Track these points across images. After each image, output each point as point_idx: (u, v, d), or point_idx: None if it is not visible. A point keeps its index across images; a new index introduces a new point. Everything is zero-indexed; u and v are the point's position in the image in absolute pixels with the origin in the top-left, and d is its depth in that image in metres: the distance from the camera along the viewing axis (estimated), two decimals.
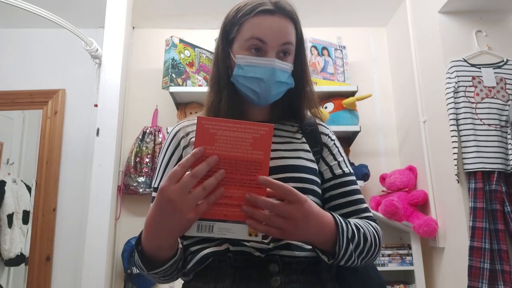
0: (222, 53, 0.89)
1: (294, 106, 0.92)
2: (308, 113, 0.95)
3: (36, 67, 2.55)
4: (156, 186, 0.87)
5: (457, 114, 1.85)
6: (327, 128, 0.95)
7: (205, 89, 2.29)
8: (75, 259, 2.24)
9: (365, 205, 0.86)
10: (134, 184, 2.22)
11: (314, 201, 0.81)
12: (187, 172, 0.61)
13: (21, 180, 2.40)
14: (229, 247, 0.76)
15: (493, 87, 1.86)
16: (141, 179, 2.23)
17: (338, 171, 0.88)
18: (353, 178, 0.89)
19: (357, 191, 0.87)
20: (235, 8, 0.88)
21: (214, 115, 0.87)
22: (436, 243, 2.00)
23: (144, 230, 0.68)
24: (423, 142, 2.14)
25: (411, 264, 2.04)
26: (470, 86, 1.86)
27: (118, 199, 2.23)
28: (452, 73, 1.88)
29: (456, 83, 1.86)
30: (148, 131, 2.35)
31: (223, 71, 0.88)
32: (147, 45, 2.58)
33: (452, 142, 1.82)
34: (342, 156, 0.91)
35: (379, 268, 2.01)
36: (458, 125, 1.84)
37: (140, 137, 2.33)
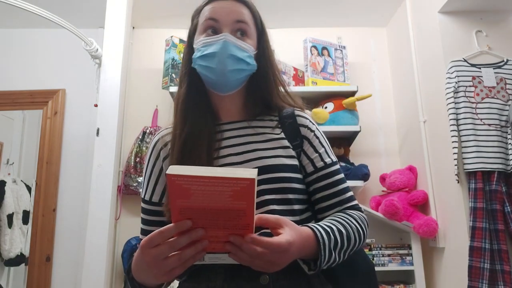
0: (187, 46, 0.92)
1: (266, 97, 0.91)
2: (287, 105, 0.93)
3: (36, 67, 2.55)
4: (143, 197, 0.93)
5: (457, 114, 1.85)
6: (306, 119, 0.92)
7: None
8: (75, 259, 2.24)
9: (349, 194, 0.87)
10: (134, 184, 2.22)
11: (296, 198, 0.83)
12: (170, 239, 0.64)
13: (21, 180, 2.39)
14: None
15: (493, 87, 1.86)
16: (141, 179, 2.21)
17: (319, 164, 0.87)
18: (336, 167, 0.88)
19: (340, 181, 0.87)
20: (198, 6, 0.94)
21: (176, 104, 0.89)
22: (436, 243, 2.00)
23: (132, 265, 0.74)
24: (423, 142, 2.14)
25: (411, 264, 2.04)
26: (470, 86, 1.86)
27: (118, 199, 2.23)
28: (452, 73, 1.88)
29: (456, 83, 1.86)
30: (148, 131, 2.35)
31: (187, 62, 0.90)
32: (147, 45, 2.58)
33: (452, 142, 1.82)
34: (323, 146, 0.89)
35: (379, 268, 2.02)
36: (458, 125, 1.84)
37: (140, 137, 2.33)
